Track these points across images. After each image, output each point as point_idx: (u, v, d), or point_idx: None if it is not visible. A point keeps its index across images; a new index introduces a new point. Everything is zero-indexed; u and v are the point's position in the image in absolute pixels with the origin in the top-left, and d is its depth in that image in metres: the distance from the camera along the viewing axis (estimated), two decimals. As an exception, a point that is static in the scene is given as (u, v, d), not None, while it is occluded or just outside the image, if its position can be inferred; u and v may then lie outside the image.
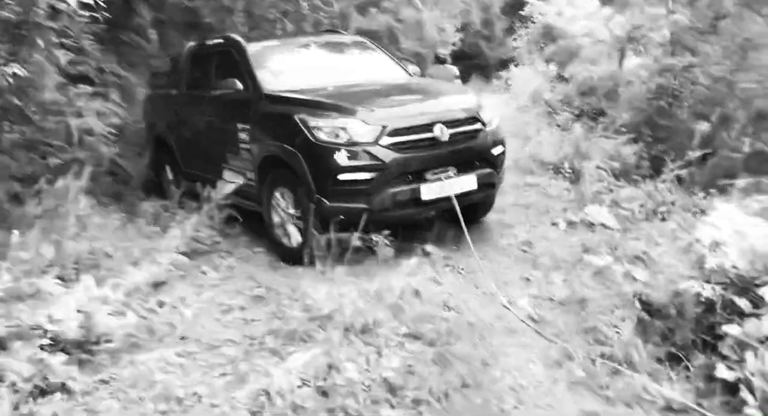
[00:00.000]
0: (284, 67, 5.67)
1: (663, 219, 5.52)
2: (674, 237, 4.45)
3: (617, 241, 4.98)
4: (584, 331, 3.72)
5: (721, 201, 4.19)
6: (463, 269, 4.77)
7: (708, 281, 3.34)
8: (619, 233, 5.24)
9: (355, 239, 4.41)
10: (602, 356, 3.41)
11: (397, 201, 4.68)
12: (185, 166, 6.53)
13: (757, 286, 3.19)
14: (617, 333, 3.51)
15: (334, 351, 3.33)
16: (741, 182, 5.12)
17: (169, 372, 3.33)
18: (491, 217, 5.76)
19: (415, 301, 3.99)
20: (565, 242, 5.20)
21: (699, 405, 3.00)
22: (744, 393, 2.93)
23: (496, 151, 5.20)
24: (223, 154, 5.69)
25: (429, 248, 4.87)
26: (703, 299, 3.30)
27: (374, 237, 4.51)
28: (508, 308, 4.08)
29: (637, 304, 3.70)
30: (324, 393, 3.12)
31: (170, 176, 6.89)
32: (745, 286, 3.26)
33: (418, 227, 5.22)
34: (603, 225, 5.42)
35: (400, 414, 3.01)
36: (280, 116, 4.99)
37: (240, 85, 5.35)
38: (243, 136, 5.36)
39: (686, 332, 3.34)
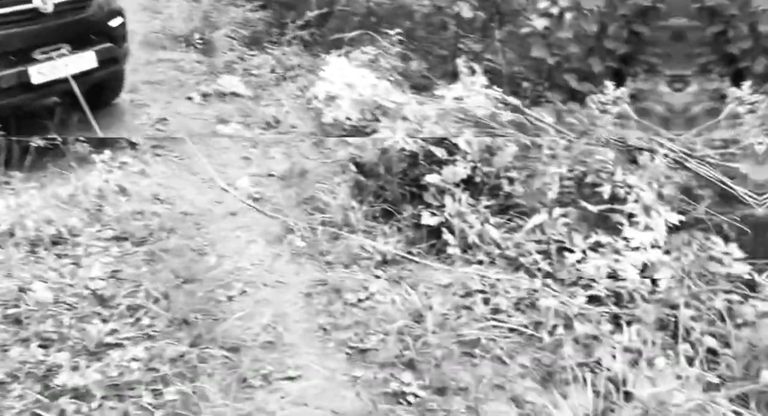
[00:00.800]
0: None
1: (293, 83, 5.65)
2: (297, 97, 4.58)
3: (250, 108, 5.05)
4: (304, 202, 3.71)
5: (335, 57, 4.32)
6: (176, 156, 4.37)
7: (411, 136, 3.47)
8: (251, 101, 5.28)
9: None
10: (322, 224, 3.44)
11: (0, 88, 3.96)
12: None
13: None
14: (334, 198, 3.54)
15: (17, 272, 2.80)
16: (349, 35, 5.33)
17: None
18: (123, 97, 5.30)
19: (120, 199, 3.55)
20: (200, 115, 5.06)
21: (409, 253, 3.22)
22: (446, 235, 3.20)
23: (114, 23, 4.63)
24: None
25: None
26: (407, 154, 3.45)
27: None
28: (227, 191, 3.87)
29: (352, 167, 3.76)
30: (17, 322, 2.64)
31: None
32: (442, 137, 3.46)
33: (37, 117, 4.51)
34: (235, 94, 5.39)
35: (116, 326, 2.68)
36: None
37: None
38: None
39: (395, 187, 3.49)
